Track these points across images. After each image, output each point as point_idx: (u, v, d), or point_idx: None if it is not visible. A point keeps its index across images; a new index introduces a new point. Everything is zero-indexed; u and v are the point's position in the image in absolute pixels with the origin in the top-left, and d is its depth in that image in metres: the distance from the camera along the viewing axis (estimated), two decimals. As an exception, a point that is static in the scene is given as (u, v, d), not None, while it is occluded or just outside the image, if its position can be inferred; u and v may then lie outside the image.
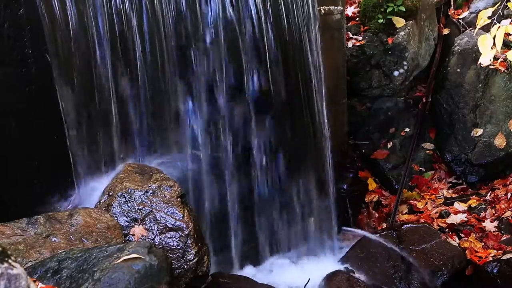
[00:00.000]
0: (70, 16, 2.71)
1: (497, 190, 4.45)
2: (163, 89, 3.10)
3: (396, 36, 4.67)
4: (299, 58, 3.55)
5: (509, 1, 3.00)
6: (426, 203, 4.47)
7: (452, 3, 5.17)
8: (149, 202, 2.67)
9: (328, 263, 3.73)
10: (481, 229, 4.12)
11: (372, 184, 4.64)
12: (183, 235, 2.61)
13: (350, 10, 4.88)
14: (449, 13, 5.17)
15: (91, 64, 2.84)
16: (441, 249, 3.67)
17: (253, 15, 3.24)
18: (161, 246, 2.56)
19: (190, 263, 2.59)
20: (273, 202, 3.65)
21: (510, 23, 2.71)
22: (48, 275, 2.01)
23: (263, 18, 3.26)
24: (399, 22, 4.68)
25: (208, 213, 3.36)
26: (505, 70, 4.53)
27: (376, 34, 4.72)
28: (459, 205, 4.36)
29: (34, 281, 1.63)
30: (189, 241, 2.60)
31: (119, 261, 1.92)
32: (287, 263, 3.73)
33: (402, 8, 4.63)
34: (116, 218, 2.62)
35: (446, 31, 5.10)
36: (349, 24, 4.79)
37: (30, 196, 2.73)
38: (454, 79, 4.73)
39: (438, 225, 4.18)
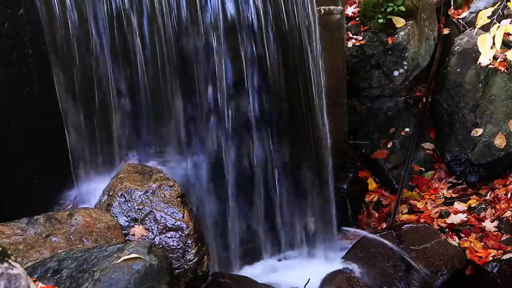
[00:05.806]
0: (70, 16, 2.72)
1: (497, 190, 4.45)
2: (163, 87, 3.10)
3: (396, 36, 4.67)
4: (299, 58, 3.54)
5: (509, 1, 3.00)
6: (426, 203, 4.46)
7: (452, 3, 5.17)
8: (149, 202, 2.67)
9: (328, 263, 3.72)
10: (481, 229, 4.11)
11: (372, 184, 4.64)
12: (183, 235, 2.61)
13: (350, 10, 4.87)
14: (449, 13, 5.16)
15: (91, 64, 2.84)
16: (441, 249, 3.67)
17: (253, 15, 3.24)
18: (161, 246, 2.56)
19: (190, 263, 2.59)
20: (273, 202, 3.65)
21: (510, 23, 2.71)
22: (48, 275, 2.01)
23: (263, 18, 3.26)
24: (399, 22, 4.67)
25: (208, 213, 3.36)
26: (505, 70, 4.53)
27: (376, 34, 4.71)
28: (459, 205, 4.35)
29: (34, 281, 1.63)
30: (189, 241, 2.60)
31: (119, 261, 1.92)
32: (287, 263, 3.73)
33: (402, 8, 4.63)
34: (116, 218, 2.62)
35: (446, 31, 5.10)
36: (349, 24, 4.79)
37: (30, 196, 2.73)
38: (454, 79, 4.73)
39: (438, 225, 4.17)
